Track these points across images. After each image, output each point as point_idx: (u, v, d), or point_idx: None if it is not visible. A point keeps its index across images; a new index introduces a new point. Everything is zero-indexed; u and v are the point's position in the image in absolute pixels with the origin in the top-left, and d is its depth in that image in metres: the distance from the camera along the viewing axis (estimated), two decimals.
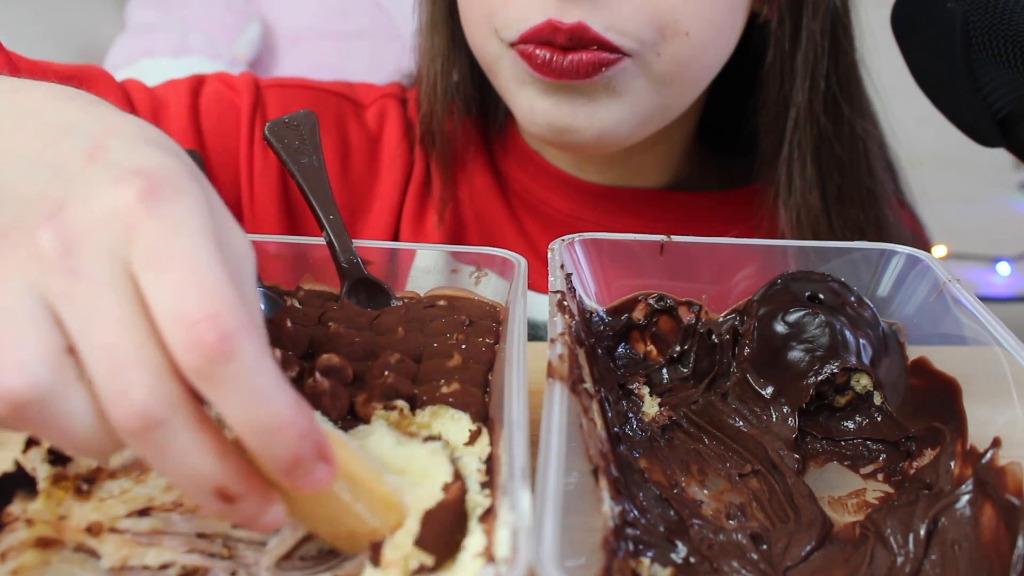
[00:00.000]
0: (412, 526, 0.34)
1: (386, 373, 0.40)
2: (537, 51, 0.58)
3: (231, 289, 0.28)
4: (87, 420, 0.28)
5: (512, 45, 0.59)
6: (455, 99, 0.72)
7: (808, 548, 0.39)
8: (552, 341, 0.40)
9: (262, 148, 0.70)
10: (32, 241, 0.28)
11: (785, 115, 0.67)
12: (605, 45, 0.57)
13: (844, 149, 0.68)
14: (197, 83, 0.71)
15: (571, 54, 0.57)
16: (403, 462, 0.37)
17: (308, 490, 0.30)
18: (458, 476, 0.36)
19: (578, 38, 0.56)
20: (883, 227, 0.71)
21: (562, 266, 0.48)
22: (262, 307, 0.33)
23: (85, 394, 0.28)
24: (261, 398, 0.28)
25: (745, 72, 0.69)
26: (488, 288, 0.51)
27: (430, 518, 0.34)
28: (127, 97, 0.67)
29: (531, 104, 0.61)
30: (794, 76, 0.66)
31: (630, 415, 0.48)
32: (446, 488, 0.35)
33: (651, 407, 0.49)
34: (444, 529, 0.34)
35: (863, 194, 0.70)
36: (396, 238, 0.74)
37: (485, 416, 0.39)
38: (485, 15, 0.61)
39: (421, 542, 0.34)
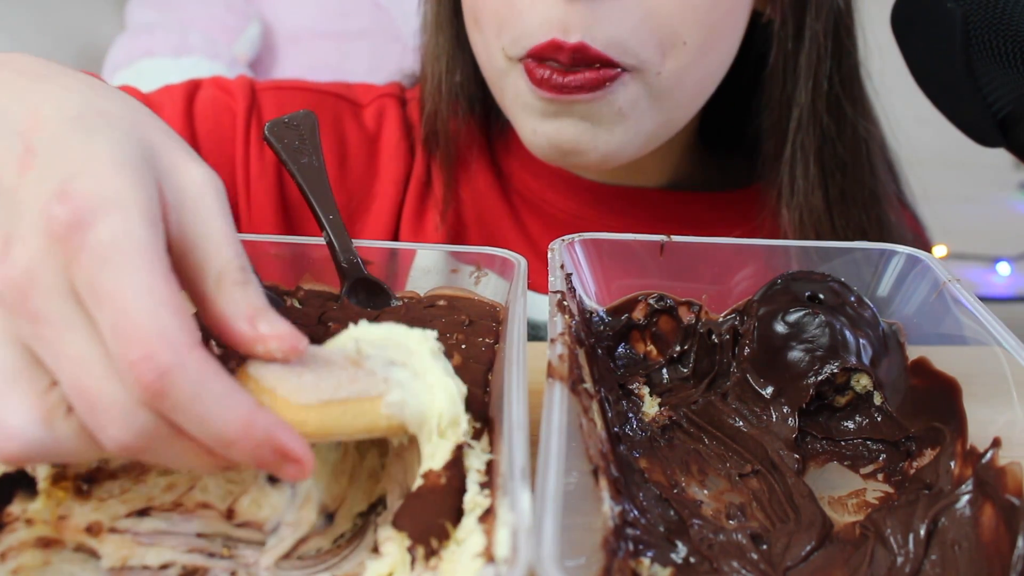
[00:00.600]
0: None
1: None
2: (537, 69, 0.58)
3: (166, 312, 0.29)
4: (83, 447, 0.30)
5: (519, 61, 0.60)
6: (459, 98, 0.72)
7: (808, 548, 0.39)
8: (552, 341, 0.40)
9: (258, 151, 0.70)
10: None
11: (788, 115, 0.67)
12: (607, 63, 0.57)
13: (846, 149, 0.69)
14: (192, 88, 0.71)
15: (572, 74, 0.57)
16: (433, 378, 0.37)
17: (283, 477, 0.32)
18: (453, 465, 0.36)
19: (580, 57, 0.57)
20: (885, 228, 0.71)
21: (562, 266, 0.48)
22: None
23: (76, 426, 0.30)
24: (207, 420, 0.29)
25: (747, 73, 0.69)
26: (488, 288, 0.51)
27: (409, 502, 0.35)
28: None
29: (534, 128, 0.62)
30: (797, 76, 0.66)
31: (630, 415, 0.48)
32: (426, 475, 0.35)
33: (651, 407, 0.49)
34: (424, 513, 0.34)
35: (865, 195, 0.70)
36: (396, 238, 0.74)
37: (485, 416, 0.39)
38: (494, 30, 0.61)
39: (397, 523, 0.34)
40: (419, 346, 0.37)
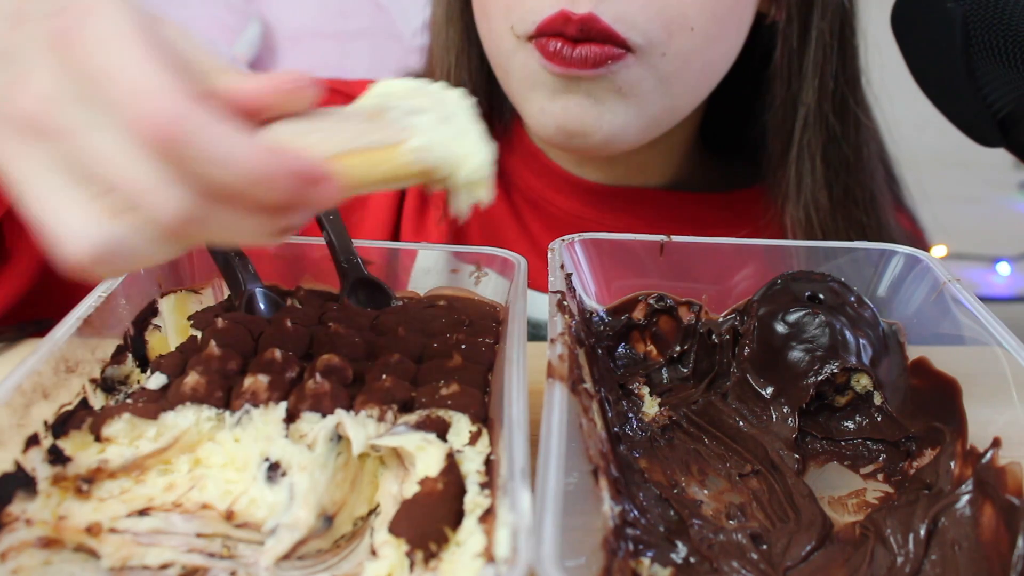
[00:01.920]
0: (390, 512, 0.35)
1: (384, 376, 0.40)
2: (549, 42, 0.58)
3: (163, 73, 0.29)
4: (146, 240, 0.31)
5: (528, 40, 0.60)
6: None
7: (808, 548, 0.39)
8: (552, 341, 0.40)
9: None
10: (23, 119, 0.31)
11: (794, 115, 0.67)
12: (613, 37, 0.58)
13: (850, 149, 0.69)
14: None
15: (580, 46, 0.58)
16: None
17: (322, 206, 0.32)
18: (448, 471, 0.36)
19: (588, 28, 0.57)
20: (884, 228, 0.71)
21: (562, 266, 0.48)
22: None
23: (138, 220, 0.30)
24: (226, 158, 0.29)
25: (750, 75, 0.69)
26: (488, 288, 0.51)
27: (405, 508, 0.35)
28: None
29: (541, 107, 0.62)
30: (803, 76, 0.66)
31: (630, 415, 0.48)
32: (423, 482, 0.35)
33: (651, 407, 0.49)
34: (422, 519, 0.34)
35: (866, 195, 0.70)
36: (397, 236, 0.74)
37: (485, 416, 0.39)
38: (502, 11, 0.61)
39: (394, 529, 0.34)
40: (455, 99, 0.35)
